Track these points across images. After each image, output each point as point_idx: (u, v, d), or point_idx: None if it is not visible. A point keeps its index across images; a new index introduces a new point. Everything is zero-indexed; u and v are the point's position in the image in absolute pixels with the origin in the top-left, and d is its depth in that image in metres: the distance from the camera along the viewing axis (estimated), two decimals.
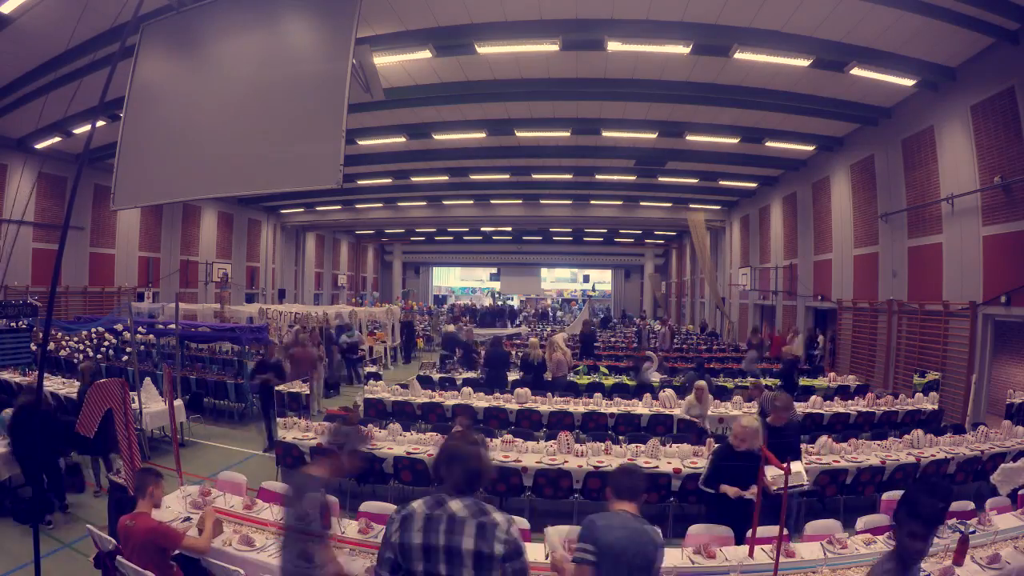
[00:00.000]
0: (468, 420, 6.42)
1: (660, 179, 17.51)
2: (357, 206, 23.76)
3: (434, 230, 31.14)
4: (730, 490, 3.95)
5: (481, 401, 8.58)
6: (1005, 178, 8.33)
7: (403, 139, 13.61)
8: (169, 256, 19.05)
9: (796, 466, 4.20)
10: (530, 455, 5.95)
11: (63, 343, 11.55)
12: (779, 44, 8.43)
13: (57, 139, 12.83)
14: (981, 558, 3.62)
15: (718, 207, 21.75)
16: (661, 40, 8.45)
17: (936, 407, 8.84)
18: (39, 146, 13.12)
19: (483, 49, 8.73)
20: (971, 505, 4.57)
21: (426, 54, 8.85)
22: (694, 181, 17.58)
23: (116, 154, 5.28)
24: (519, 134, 13.46)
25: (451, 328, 18.02)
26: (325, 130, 4.46)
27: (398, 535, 2.10)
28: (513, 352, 14.43)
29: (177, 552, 3.60)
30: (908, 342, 10.75)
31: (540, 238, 33.54)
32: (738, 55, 8.66)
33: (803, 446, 6.19)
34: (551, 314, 34.10)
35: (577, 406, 8.41)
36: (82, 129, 11.95)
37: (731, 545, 3.94)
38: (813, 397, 8.86)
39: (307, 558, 2.60)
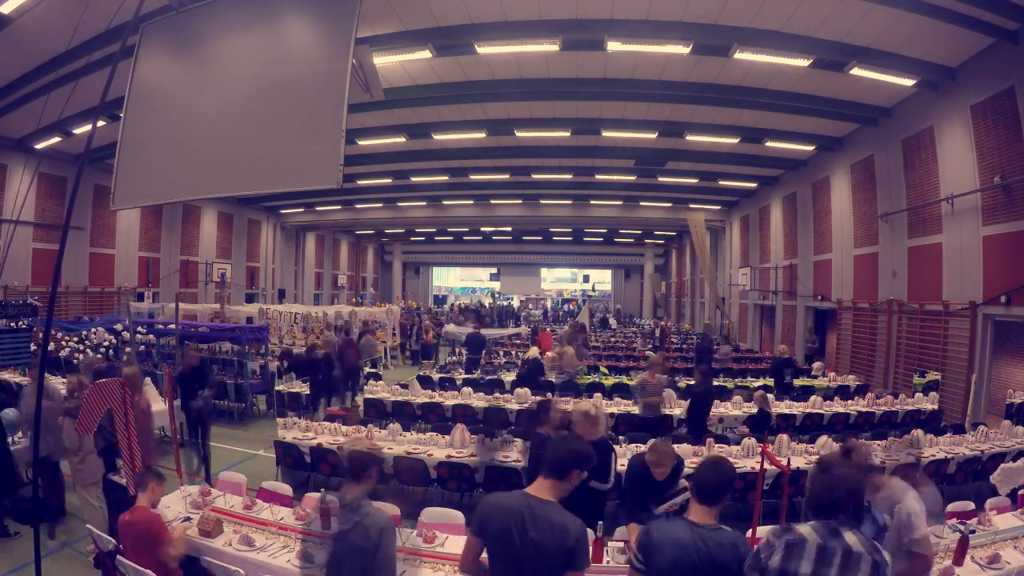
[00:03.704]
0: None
1: (660, 179, 17.52)
2: (357, 206, 23.76)
3: (434, 230, 31.14)
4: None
5: (481, 401, 8.58)
6: (1005, 178, 8.33)
7: (403, 139, 13.62)
8: (169, 256, 19.06)
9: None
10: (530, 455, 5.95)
11: (63, 343, 11.54)
12: (779, 44, 8.43)
13: (57, 139, 12.84)
14: (981, 558, 3.62)
15: (718, 207, 21.76)
16: (661, 40, 8.45)
17: (936, 407, 8.84)
18: (39, 146, 13.13)
19: (483, 49, 8.73)
20: (971, 505, 4.56)
21: (426, 54, 8.85)
22: (694, 181, 17.58)
23: (116, 154, 5.28)
24: (519, 134, 13.46)
25: (450, 328, 18.00)
26: (325, 130, 4.46)
27: (779, 561, 1.97)
28: (513, 352, 14.46)
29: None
30: (908, 342, 10.75)
31: (540, 238, 33.54)
32: (738, 55, 8.66)
33: (803, 445, 6.22)
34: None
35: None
36: (82, 129, 11.96)
37: None
38: (813, 397, 8.85)
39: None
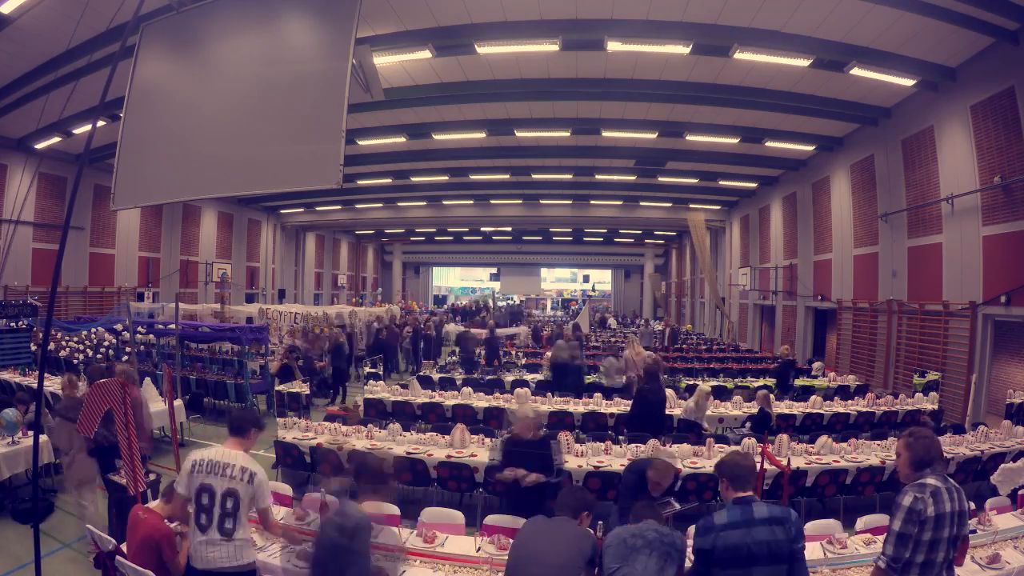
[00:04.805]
0: None
1: (660, 179, 17.52)
2: (357, 206, 23.77)
3: (434, 230, 31.12)
4: (508, 474, 4.20)
5: (481, 401, 8.58)
6: (1005, 178, 8.33)
7: (403, 139, 13.62)
8: (169, 256, 19.06)
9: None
10: None
11: (63, 343, 11.55)
12: (779, 44, 8.43)
13: (57, 139, 12.83)
14: (981, 558, 3.62)
15: (718, 207, 21.76)
16: (661, 40, 8.45)
17: (936, 407, 8.83)
18: (39, 146, 13.12)
19: (483, 49, 8.73)
20: (971, 505, 4.56)
21: (426, 54, 8.85)
22: (694, 181, 17.58)
23: (116, 154, 5.27)
24: (519, 134, 13.46)
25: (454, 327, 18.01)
26: (325, 130, 4.45)
27: (933, 508, 2.55)
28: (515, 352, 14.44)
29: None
30: (908, 342, 10.75)
31: (540, 238, 33.53)
32: (738, 55, 8.66)
33: (803, 446, 6.22)
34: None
35: (577, 406, 8.40)
36: (82, 129, 11.95)
37: None
38: (813, 397, 8.85)
39: None
